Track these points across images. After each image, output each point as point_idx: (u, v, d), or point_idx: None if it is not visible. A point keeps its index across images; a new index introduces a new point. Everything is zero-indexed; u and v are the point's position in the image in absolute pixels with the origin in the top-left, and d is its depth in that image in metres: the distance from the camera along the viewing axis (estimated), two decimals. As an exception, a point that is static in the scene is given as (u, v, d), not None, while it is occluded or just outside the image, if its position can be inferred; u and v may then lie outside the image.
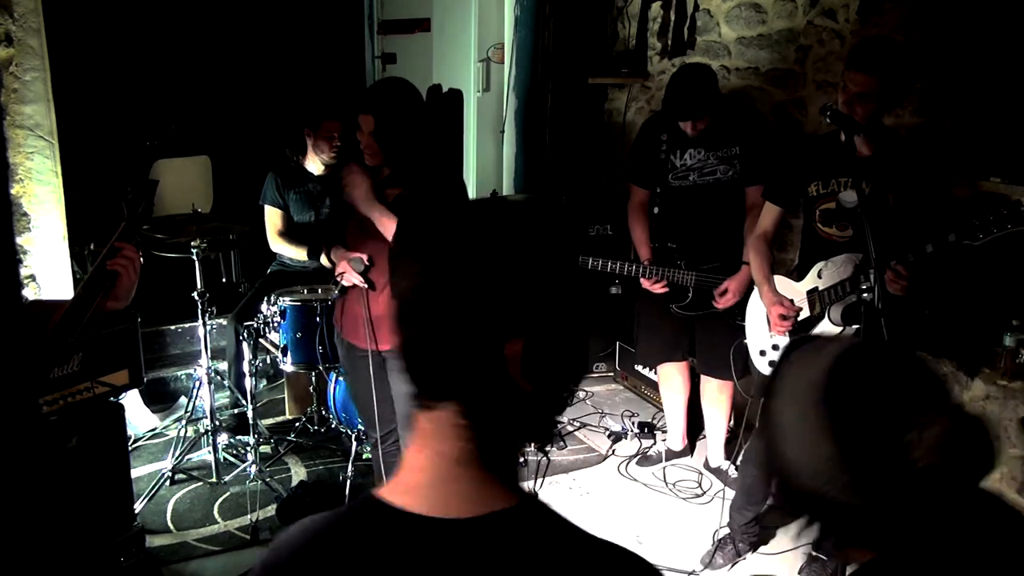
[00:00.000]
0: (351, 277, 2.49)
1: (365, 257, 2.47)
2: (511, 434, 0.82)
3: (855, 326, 2.45)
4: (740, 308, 2.99)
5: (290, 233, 3.83)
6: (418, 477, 0.79)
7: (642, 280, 3.27)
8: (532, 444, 0.88)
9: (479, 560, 0.74)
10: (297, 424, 3.80)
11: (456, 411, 0.78)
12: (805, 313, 2.56)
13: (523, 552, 0.75)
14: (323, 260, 2.71)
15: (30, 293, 3.31)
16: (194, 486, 3.31)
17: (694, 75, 3.07)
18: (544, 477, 3.80)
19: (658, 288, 3.23)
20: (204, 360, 3.34)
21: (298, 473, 3.47)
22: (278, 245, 3.84)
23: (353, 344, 2.63)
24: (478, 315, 0.76)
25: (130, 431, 3.58)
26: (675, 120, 3.13)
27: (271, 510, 3.15)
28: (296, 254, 3.81)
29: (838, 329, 2.48)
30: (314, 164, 3.87)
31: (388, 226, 2.40)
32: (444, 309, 0.76)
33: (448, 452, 0.78)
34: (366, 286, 2.50)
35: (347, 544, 0.77)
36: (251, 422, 3.34)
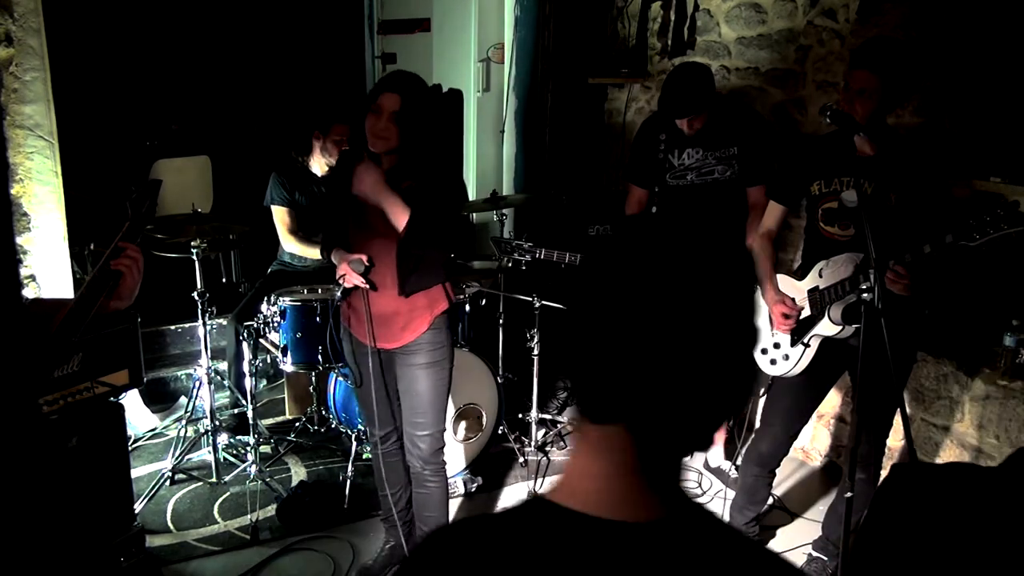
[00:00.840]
0: (352, 279, 2.44)
1: (365, 258, 2.42)
2: (675, 447, 0.84)
3: (855, 325, 2.45)
4: None
5: (302, 231, 3.84)
6: (589, 484, 0.81)
7: None
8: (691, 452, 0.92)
9: (657, 562, 0.77)
10: (297, 424, 3.80)
11: (627, 428, 0.80)
12: (806, 312, 2.56)
13: (695, 555, 0.79)
14: (332, 257, 2.65)
15: (30, 293, 3.31)
16: (194, 486, 3.31)
17: (689, 73, 3.07)
18: (544, 477, 3.81)
19: None
20: (204, 360, 3.34)
21: (298, 473, 3.47)
22: (292, 245, 3.82)
23: (360, 340, 2.60)
24: (667, 344, 0.77)
25: (130, 431, 3.58)
26: (671, 118, 3.13)
27: (271, 510, 3.15)
28: (310, 253, 3.80)
29: (838, 328, 2.48)
30: (318, 166, 3.88)
31: (400, 216, 2.33)
32: (636, 340, 0.77)
33: (620, 462, 0.80)
34: (368, 287, 2.45)
35: (518, 540, 0.79)
36: (251, 422, 3.34)
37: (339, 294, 2.60)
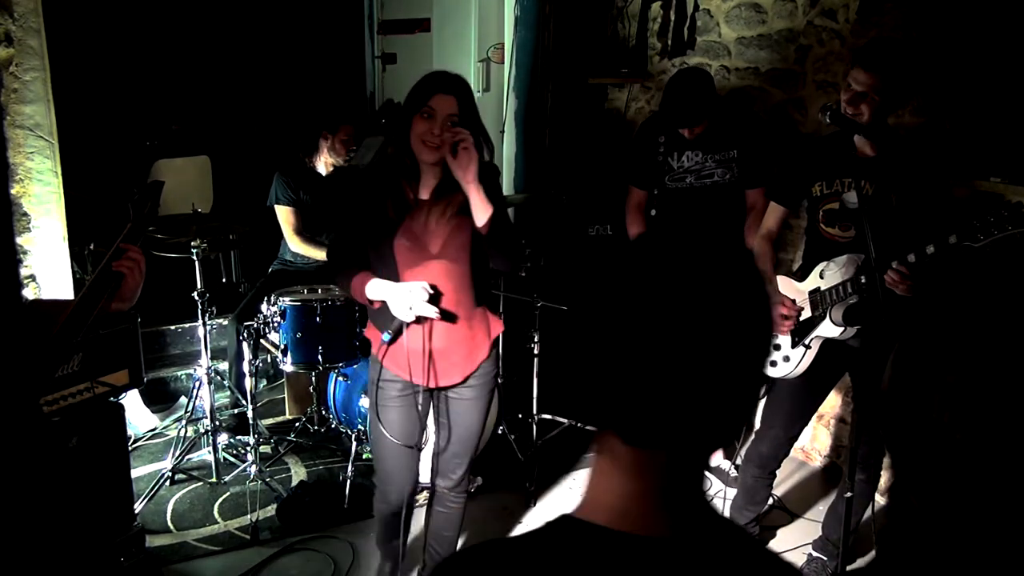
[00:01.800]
0: (423, 309, 2.08)
1: (428, 285, 2.10)
2: (704, 463, 0.86)
3: (856, 327, 2.45)
4: None
5: (307, 231, 3.84)
6: (618, 502, 0.81)
7: None
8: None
9: (690, 572, 0.78)
10: (297, 424, 3.80)
11: (667, 453, 0.81)
12: (807, 313, 2.56)
13: (725, 566, 0.80)
14: (370, 292, 2.17)
15: (30, 293, 3.30)
16: (194, 486, 3.31)
17: (691, 81, 3.07)
18: (543, 477, 3.76)
19: None
20: (204, 360, 3.34)
21: (298, 473, 3.47)
22: (297, 245, 3.81)
23: (400, 378, 2.27)
24: (709, 369, 0.77)
25: (130, 431, 3.58)
26: (673, 127, 3.14)
27: (271, 510, 3.15)
28: (315, 254, 3.79)
29: (839, 330, 2.48)
30: (323, 166, 3.90)
31: (484, 213, 2.10)
32: (686, 366, 0.76)
33: (654, 482, 0.81)
34: (438, 315, 2.12)
35: (550, 559, 0.79)
36: (251, 422, 3.34)
37: (388, 336, 2.19)
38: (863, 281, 2.15)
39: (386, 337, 2.18)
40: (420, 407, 2.30)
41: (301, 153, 3.89)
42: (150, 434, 3.77)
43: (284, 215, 3.82)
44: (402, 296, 2.09)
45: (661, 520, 0.80)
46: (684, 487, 0.82)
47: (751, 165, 3.13)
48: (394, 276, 2.16)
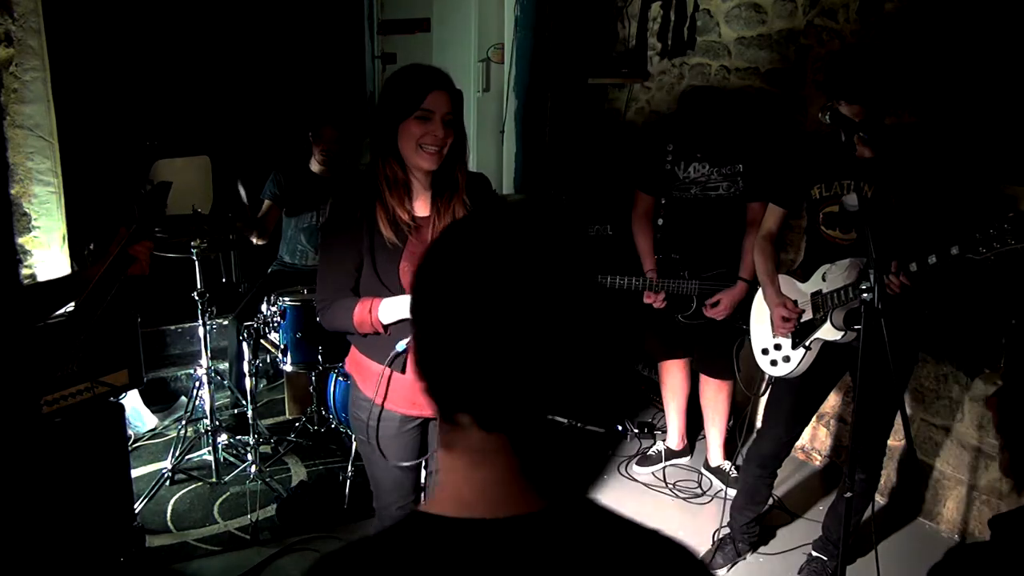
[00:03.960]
0: None
1: None
2: (549, 440, 0.85)
3: (856, 329, 2.45)
4: (743, 312, 2.99)
5: (268, 226, 3.87)
6: (471, 491, 0.81)
7: (645, 295, 3.28)
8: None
9: (544, 548, 0.77)
10: (297, 424, 3.80)
11: (509, 437, 0.81)
12: (808, 315, 2.56)
13: (582, 539, 0.79)
14: (385, 313, 1.92)
15: (30, 293, 3.31)
16: (194, 486, 3.31)
17: (710, 106, 3.22)
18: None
19: (659, 303, 3.25)
20: (204, 360, 3.34)
21: (298, 473, 3.47)
22: (257, 239, 3.87)
23: (403, 414, 2.06)
24: (547, 346, 0.76)
25: (130, 431, 3.58)
26: (690, 146, 3.22)
27: (271, 510, 3.15)
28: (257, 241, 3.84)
29: (840, 333, 2.47)
30: (317, 166, 3.92)
31: None
32: (525, 344, 0.76)
33: (504, 466, 0.81)
34: None
35: (400, 558, 0.78)
36: (251, 422, 3.34)
37: (390, 363, 1.97)
38: (863, 288, 2.13)
39: (402, 347, 1.93)
40: (428, 434, 2.11)
41: (294, 152, 3.92)
42: (150, 434, 3.77)
43: (263, 208, 3.91)
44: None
45: (512, 502, 0.79)
46: (534, 468, 0.81)
47: (756, 179, 3.14)
48: (387, 290, 1.98)
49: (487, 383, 0.77)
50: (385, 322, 1.91)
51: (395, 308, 1.89)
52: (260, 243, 3.87)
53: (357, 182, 2.00)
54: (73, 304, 2.09)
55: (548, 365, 0.77)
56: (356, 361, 2.09)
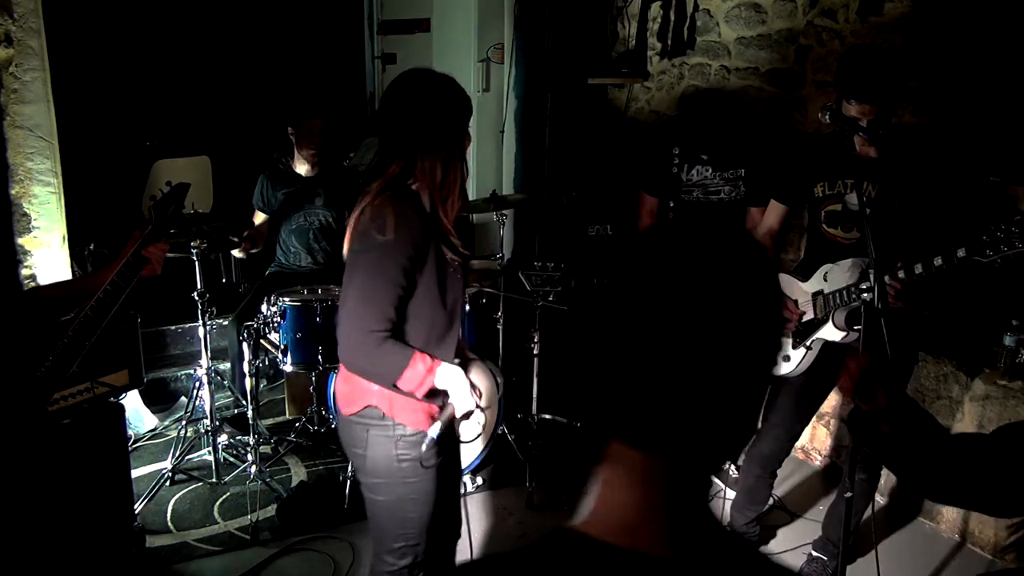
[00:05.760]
0: (467, 402, 1.83)
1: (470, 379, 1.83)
2: (706, 474, 0.82)
3: (857, 330, 2.45)
4: None
5: (258, 235, 3.84)
6: (634, 515, 0.77)
7: None
8: None
9: None
10: (297, 424, 3.80)
11: (666, 456, 0.77)
12: (809, 315, 2.56)
13: None
14: (441, 379, 1.83)
15: (30, 293, 3.31)
16: (194, 486, 3.31)
17: (716, 108, 3.25)
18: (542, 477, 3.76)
19: None
20: (204, 360, 3.34)
21: (298, 473, 3.47)
22: (241, 252, 3.78)
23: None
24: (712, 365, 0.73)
25: (130, 431, 3.58)
26: (697, 146, 3.23)
27: (271, 510, 3.15)
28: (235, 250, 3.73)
29: (842, 334, 2.47)
30: (302, 165, 3.87)
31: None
32: (686, 360, 0.73)
33: (653, 492, 0.77)
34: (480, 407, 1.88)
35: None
36: (251, 422, 3.34)
37: (439, 430, 1.85)
38: (864, 288, 2.13)
39: (436, 432, 1.84)
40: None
41: (277, 153, 3.88)
42: (150, 434, 3.77)
43: (256, 220, 3.90)
44: (466, 390, 1.84)
45: (655, 538, 0.76)
46: (683, 501, 0.77)
47: (758, 184, 3.15)
48: (442, 348, 1.88)
49: (652, 398, 0.73)
50: (440, 386, 1.82)
51: (452, 377, 1.82)
52: (255, 251, 3.84)
53: (401, 193, 1.82)
54: (85, 306, 2.09)
55: (712, 386, 0.73)
56: (388, 398, 1.86)
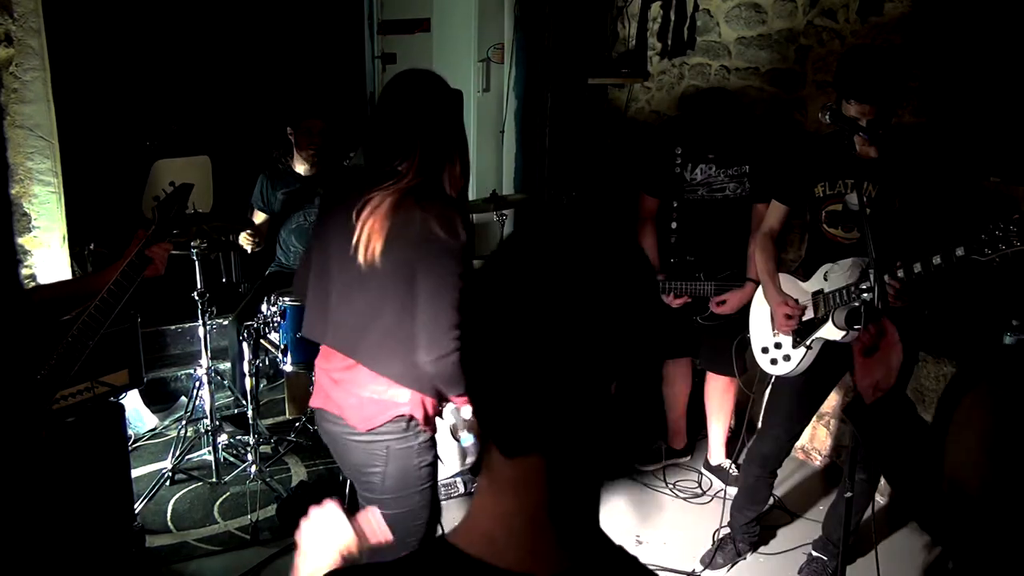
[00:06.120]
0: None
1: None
2: (595, 481, 0.76)
3: (857, 327, 2.45)
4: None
5: (258, 234, 3.83)
6: (494, 525, 0.72)
7: (664, 297, 3.28)
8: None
9: None
10: (297, 424, 3.80)
11: (543, 461, 0.71)
12: (809, 314, 2.56)
13: None
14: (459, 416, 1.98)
15: (30, 293, 3.31)
16: (194, 486, 3.31)
17: (719, 106, 3.24)
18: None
19: (678, 303, 3.25)
20: (204, 360, 3.34)
21: (298, 473, 3.47)
22: (244, 242, 3.80)
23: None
24: (591, 357, 0.68)
25: (130, 431, 3.58)
26: (699, 145, 3.23)
27: (271, 510, 3.15)
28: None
29: (842, 333, 2.47)
30: (301, 165, 3.87)
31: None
32: (554, 355, 0.67)
33: (532, 500, 0.71)
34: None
35: None
36: (251, 422, 3.34)
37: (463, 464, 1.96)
38: (864, 288, 2.13)
39: (466, 441, 1.94)
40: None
41: (277, 152, 3.88)
42: (150, 434, 3.77)
43: (256, 219, 3.89)
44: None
45: (534, 553, 0.70)
46: (571, 505, 0.72)
47: (762, 181, 3.15)
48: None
49: (513, 398, 0.69)
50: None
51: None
52: (256, 250, 3.84)
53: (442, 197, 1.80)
54: (88, 305, 2.10)
55: (590, 378, 0.69)
56: (422, 403, 1.91)
